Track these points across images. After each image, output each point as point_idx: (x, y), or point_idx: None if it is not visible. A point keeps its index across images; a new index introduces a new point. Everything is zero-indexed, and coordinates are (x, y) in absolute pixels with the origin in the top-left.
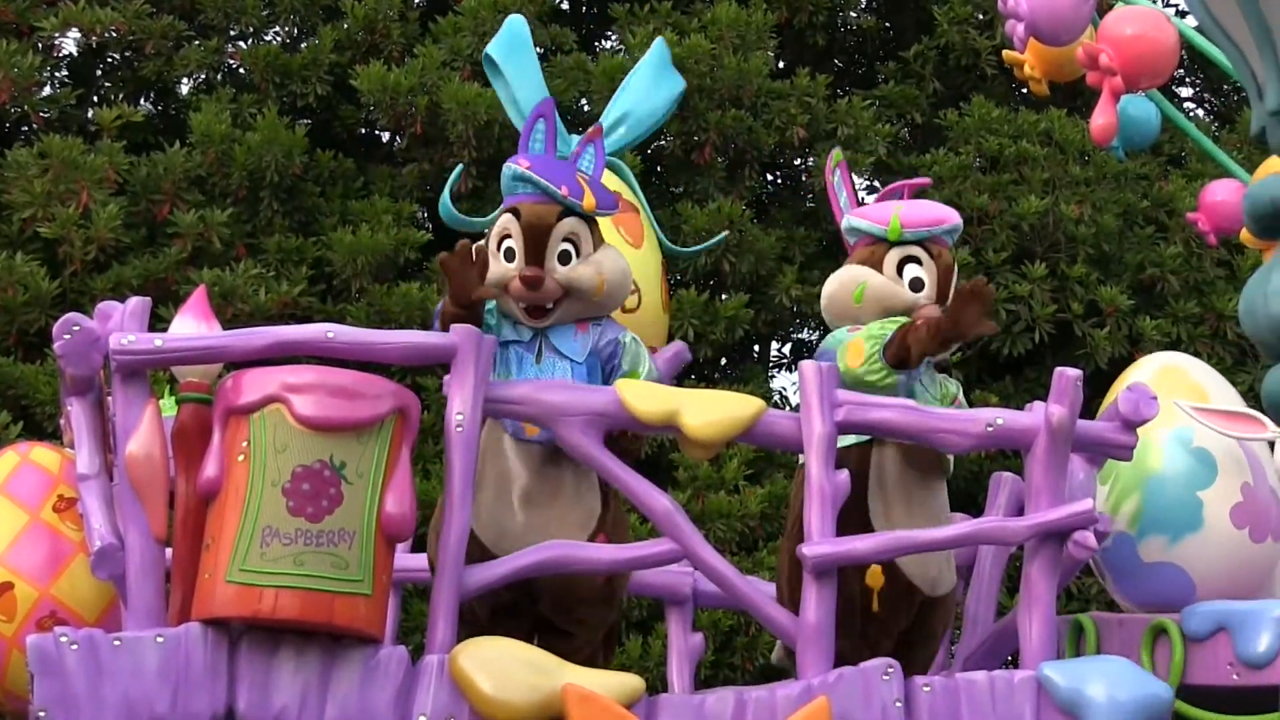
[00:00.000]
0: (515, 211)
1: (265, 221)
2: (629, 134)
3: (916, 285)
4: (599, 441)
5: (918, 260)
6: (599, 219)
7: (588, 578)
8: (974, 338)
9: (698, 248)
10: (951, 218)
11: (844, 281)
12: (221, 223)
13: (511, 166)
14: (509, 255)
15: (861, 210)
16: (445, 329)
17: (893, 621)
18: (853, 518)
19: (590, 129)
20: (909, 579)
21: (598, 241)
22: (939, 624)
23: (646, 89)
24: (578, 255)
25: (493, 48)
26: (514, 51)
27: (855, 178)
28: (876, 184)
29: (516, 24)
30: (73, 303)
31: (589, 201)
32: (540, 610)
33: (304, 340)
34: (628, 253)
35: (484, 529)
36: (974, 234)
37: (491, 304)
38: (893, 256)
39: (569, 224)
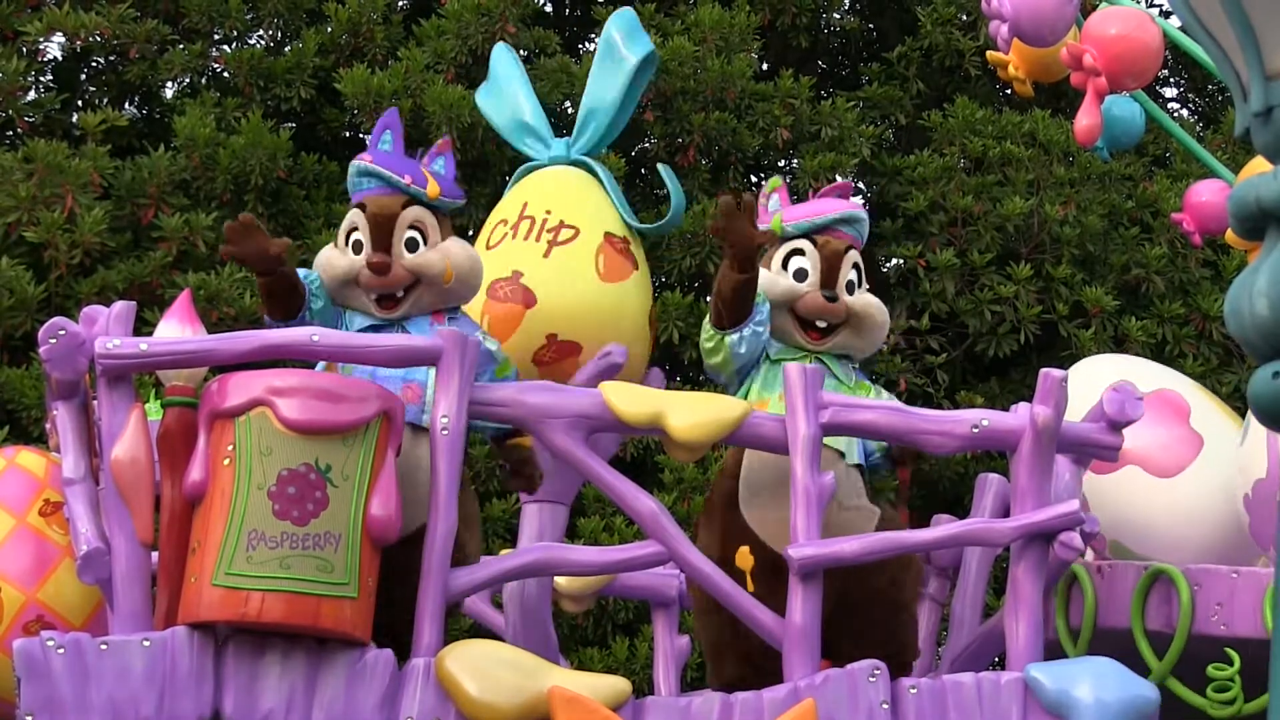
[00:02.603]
0: (361, 206)
1: None
2: (598, 129)
3: (800, 275)
4: (583, 443)
5: (800, 251)
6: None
7: None
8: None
9: (661, 224)
10: (837, 208)
11: None
12: (206, 226)
13: (356, 164)
14: (356, 248)
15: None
16: (271, 311)
17: (775, 600)
18: (733, 521)
19: (439, 142)
20: (778, 553)
21: (447, 233)
22: (860, 596)
23: (601, 77)
24: (425, 243)
25: (480, 94)
26: (499, 86)
27: (839, 178)
28: (861, 185)
29: (498, 56)
30: (58, 307)
31: (433, 189)
32: None
33: (289, 344)
34: (601, 286)
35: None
36: (959, 235)
37: (315, 279)
38: (780, 252)
39: (414, 212)
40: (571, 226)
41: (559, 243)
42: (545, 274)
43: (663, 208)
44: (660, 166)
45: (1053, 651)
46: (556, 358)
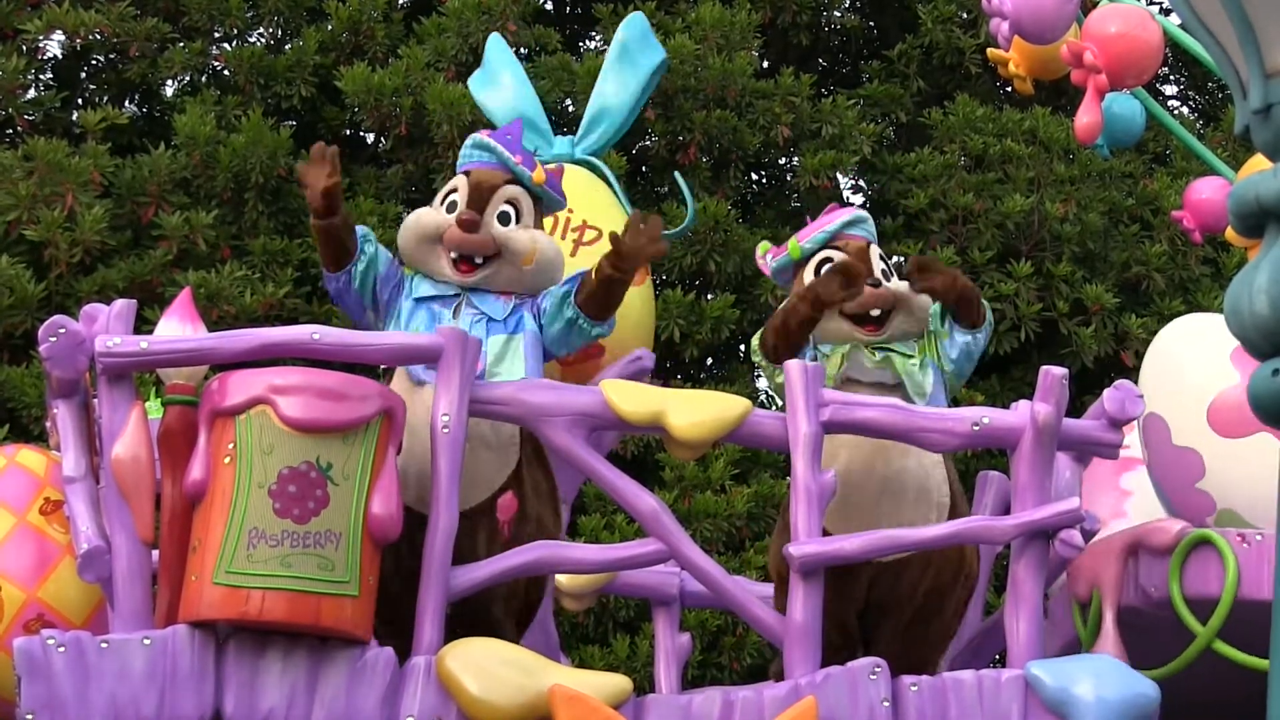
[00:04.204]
0: (467, 174)
1: (250, 223)
2: (608, 131)
3: None
4: (584, 441)
5: (829, 259)
6: None
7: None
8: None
9: (678, 230)
10: (842, 213)
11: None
12: (207, 224)
13: (473, 137)
14: (450, 208)
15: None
16: (324, 255)
17: (841, 603)
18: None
19: (553, 167)
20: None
21: (539, 224)
22: (906, 591)
23: (613, 80)
24: (516, 222)
25: (474, 82)
26: (494, 77)
27: (840, 176)
28: (861, 183)
29: (492, 46)
30: (58, 305)
31: (539, 174)
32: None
33: (289, 342)
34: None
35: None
36: (959, 233)
37: (367, 235)
38: (808, 268)
39: (514, 190)
40: (595, 228)
41: (584, 243)
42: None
43: (663, 205)
44: (677, 176)
45: (1142, 621)
46: (580, 359)
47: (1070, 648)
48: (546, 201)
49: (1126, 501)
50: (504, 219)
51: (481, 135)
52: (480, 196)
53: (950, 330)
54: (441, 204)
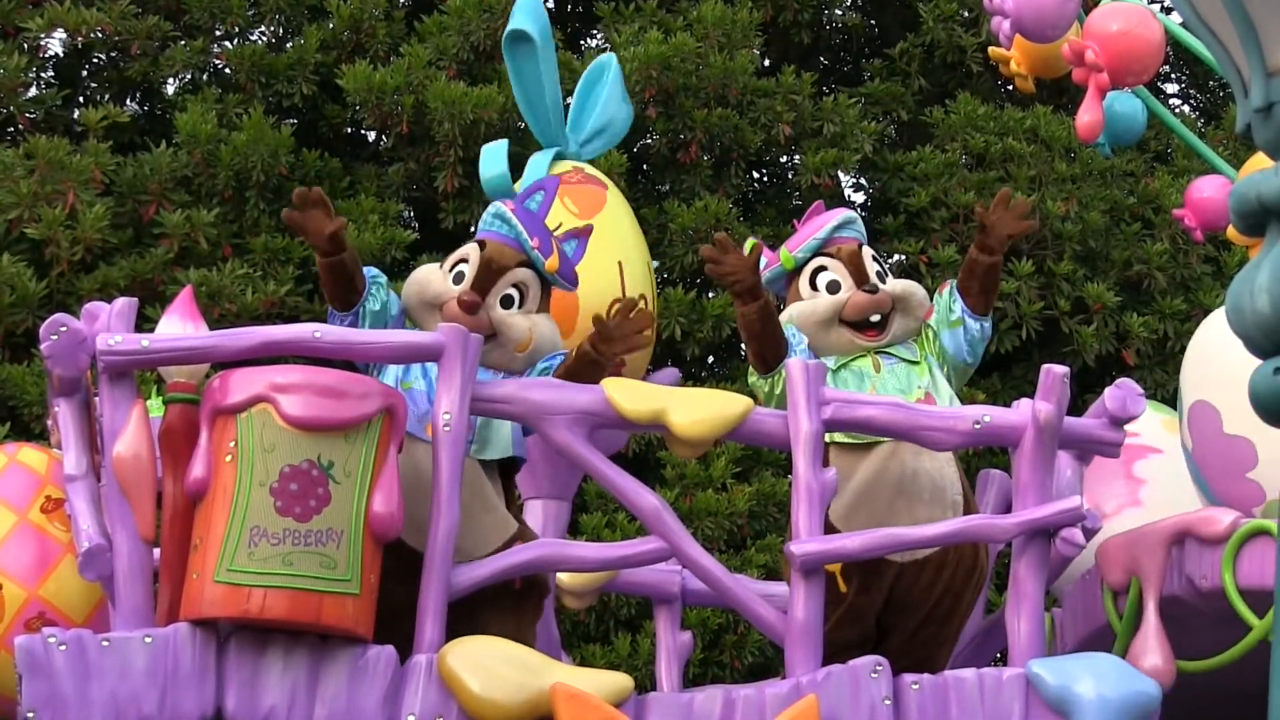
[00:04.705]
0: (481, 243)
1: (251, 221)
2: (609, 142)
3: (833, 287)
4: (585, 439)
5: (823, 268)
6: (558, 291)
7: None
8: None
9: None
10: (830, 217)
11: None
12: (208, 223)
13: (496, 205)
14: (458, 279)
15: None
16: (329, 297)
17: (867, 598)
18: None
19: (584, 228)
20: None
21: (544, 308)
22: (924, 590)
23: (620, 104)
24: (519, 306)
25: (524, 24)
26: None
27: (842, 175)
28: (862, 181)
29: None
30: (59, 303)
31: (552, 262)
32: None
33: (291, 340)
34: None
35: (410, 533)
36: (961, 231)
37: (380, 279)
38: (803, 278)
39: (523, 273)
40: None
41: None
42: None
43: (665, 204)
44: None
45: (1182, 611)
46: None
47: (1096, 636)
48: (554, 284)
49: (1141, 490)
50: (507, 302)
51: (505, 207)
52: (488, 276)
53: (964, 316)
54: (450, 269)
